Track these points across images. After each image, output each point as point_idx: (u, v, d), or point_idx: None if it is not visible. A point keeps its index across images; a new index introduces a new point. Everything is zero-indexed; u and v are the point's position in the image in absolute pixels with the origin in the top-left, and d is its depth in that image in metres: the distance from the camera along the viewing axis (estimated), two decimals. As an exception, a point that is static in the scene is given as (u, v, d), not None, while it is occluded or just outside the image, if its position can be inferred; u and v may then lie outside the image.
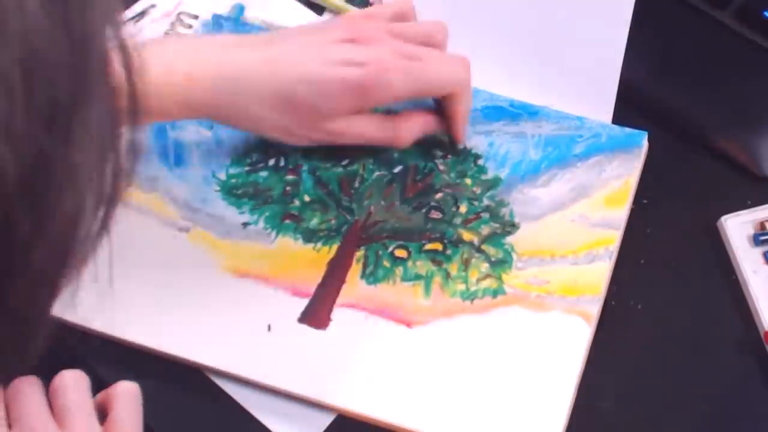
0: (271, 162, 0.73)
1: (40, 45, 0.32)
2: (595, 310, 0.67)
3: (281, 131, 0.68)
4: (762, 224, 0.70)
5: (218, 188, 0.72)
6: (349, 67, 0.66)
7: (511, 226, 0.70)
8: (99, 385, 0.63)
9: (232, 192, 0.72)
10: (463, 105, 0.70)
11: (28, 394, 0.61)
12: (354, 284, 0.68)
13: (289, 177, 0.73)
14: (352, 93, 0.66)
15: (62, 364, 0.65)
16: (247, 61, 0.66)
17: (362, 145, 0.71)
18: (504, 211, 0.71)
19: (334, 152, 0.73)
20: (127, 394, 0.62)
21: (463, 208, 0.71)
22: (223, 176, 0.73)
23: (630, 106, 0.75)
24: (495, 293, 0.68)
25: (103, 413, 0.61)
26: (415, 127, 0.71)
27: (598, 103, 0.75)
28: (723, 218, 0.70)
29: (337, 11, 0.81)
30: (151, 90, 0.63)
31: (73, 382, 0.62)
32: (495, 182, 0.72)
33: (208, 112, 0.68)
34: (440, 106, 0.71)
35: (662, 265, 0.70)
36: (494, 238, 0.70)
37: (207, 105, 0.66)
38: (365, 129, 0.69)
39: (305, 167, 0.73)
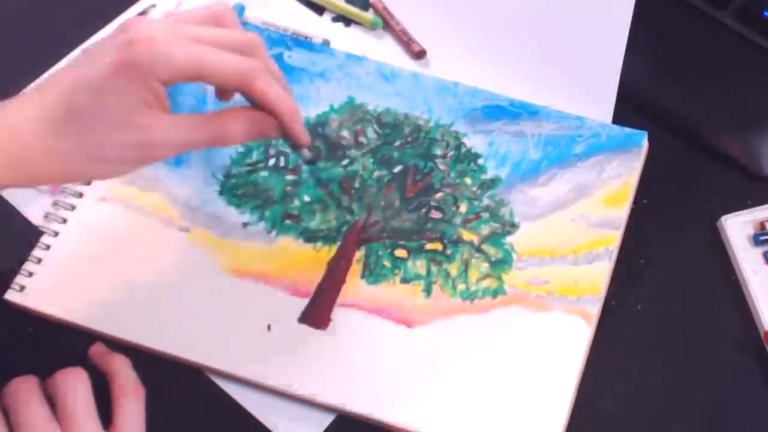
0: (271, 162, 0.73)
1: None
2: (595, 310, 0.67)
3: (92, 160, 0.58)
4: (762, 224, 0.70)
5: (218, 188, 0.72)
6: (116, 50, 0.58)
7: (511, 226, 0.70)
8: (99, 385, 0.63)
9: (232, 192, 0.72)
10: (266, 98, 0.61)
11: (29, 398, 0.61)
12: (354, 284, 0.68)
13: (289, 177, 0.73)
14: (129, 74, 0.57)
15: (62, 363, 0.65)
16: (18, 110, 0.59)
17: (187, 150, 0.62)
18: (504, 210, 0.71)
19: (334, 152, 0.73)
20: (134, 401, 0.62)
21: (463, 208, 0.71)
22: (223, 176, 0.73)
23: (630, 106, 0.75)
24: (495, 293, 0.68)
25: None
26: (246, 124, 0.61)
27: (598, 103, 0.75)
28: (723, 218, 0.70)
29: (337, 11, 0.81)
30: None
31: (74, 384, 0.62)
32: (495, 182, 0.72)
33: (6, 185, 0.59)
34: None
35: (662, 265, 0.70)
36: (494, 238, 0.70)
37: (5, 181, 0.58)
38: (183, 131, 0.60)
39: (305, 167, 0.73)
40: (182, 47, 0.58)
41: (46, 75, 0.70)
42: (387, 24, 0.80)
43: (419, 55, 0.78)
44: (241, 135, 0.61)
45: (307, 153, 0.65)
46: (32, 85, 0.65)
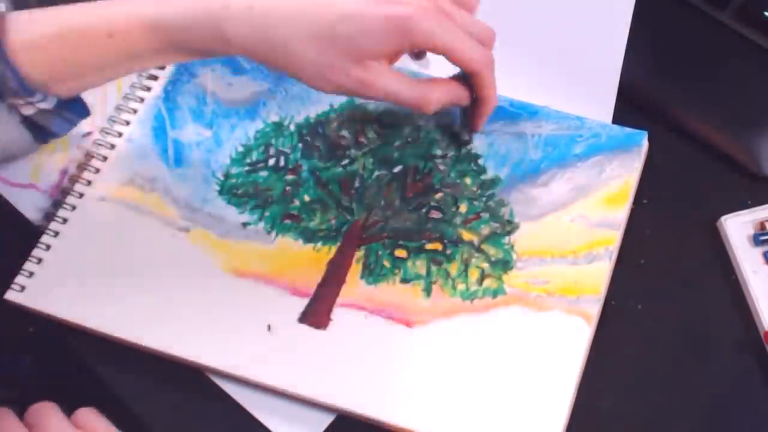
0: (271, 162, 0.73)
1: None
2: (595, 310, 0.67)
3: (314, 72, 0.66)
4: (762, 224, 0.70)
5: (218, 188, 0.72)
6: (395, 5, 0.65)
7: (510, 226, 0.70)
8: (98, 384, 0.63)
9: (232, 192, 0.72)
10: (486, 88, 0.70)
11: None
12: (354, 284, 0.68)
13: (289, 177, 0.73)
14: (395, 31, 0.65)
15: (62, 363, 0.66)
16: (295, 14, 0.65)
17: (385, 102, 0.68)
18: (504, 210, 0.71)
19: (334, 152, 0.73)
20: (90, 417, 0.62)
21: (462, 208, 0.71)
22: (223, 176, 0.73)
23: (630, 106, 0.75)
24: (495, 293, 0.68)
25: None
26: (445, 93, 0.69)
27: (598, 103, 0.75)
28: (723, 218, 0.70)
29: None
30: (187, 21, 0.64)
31: (47, 411, 0.61)
32: (495, 182, 0.72)
33: (243, 48, 0.65)
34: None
35: (662, 265, 0.70)
36: (494, 238, 0.70)
37: (243, 39, 0.64)
38: (396, 84, 0.67)
39: (305, 167, 0.73)
40: (443, 28, 0.66)
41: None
42: (387, 24, 0.80)
43: (419, 55, 0.78)
44: (443, 99, 0.69)
45: (467, 135, 0.74)
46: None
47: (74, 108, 0.68)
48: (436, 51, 0.67)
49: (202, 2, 0.64)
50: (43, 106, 0.66)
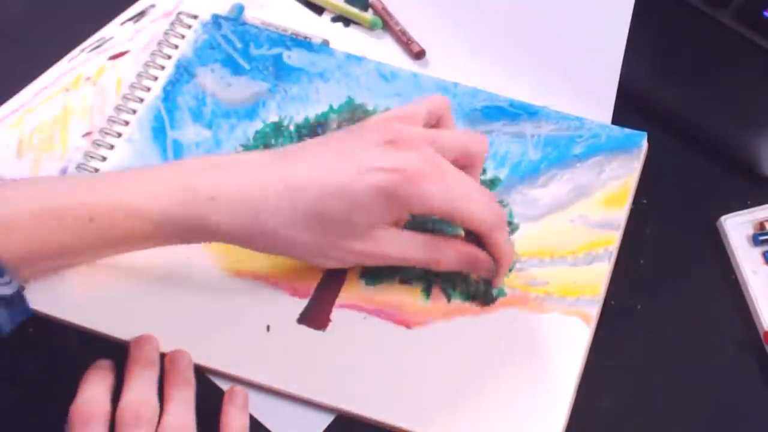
0: (271, 162, 0.73)
1: None
2: (594, 311, 0.67)
3: (311, 252, 0.63)
4: (762, 224, 0.70)
5: (218, 188, 0.72)
6: (384, 173, 0.61)
7: (510, 227, 0.70)
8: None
9: (231, 192, 0.72)
10: (498, 246, 0.64)
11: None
12: (353, 285, 0.68)
13: (289, 177, 0.73)
14: (387, 202, 0.61)
15: (62, 363, 0.66)
16: (270, 180, 0.62)
17: (402, 265, 0.66)
18: (503, 211, 0.71)
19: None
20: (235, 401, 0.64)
21: (462, 209, 0.71)
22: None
23: (630, 106, 0.75)
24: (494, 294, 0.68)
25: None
26: (456, 257, 0.65)
27: (597, 103, 0.75)
28: (723, 218, 0.70)
29: (336, 12, 0.81)
30: (175, 215, 0.61)
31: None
32: (494, 182, 0.72)
33: (234, 237, 0.63)
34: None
35: (662, 265, 0.70)
36: (494, 239, 0.69)
37: (231, 228, 0.62)
38: (402, 249, 0.64)
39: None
40: (441, 192, 0.61)
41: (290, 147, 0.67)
42: (386, 24, 0.80)
43: (418, 55, 0.78)
44: (454, 264, 0.65)
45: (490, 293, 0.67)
46: (286, 166, 0.63)
47: (23, 305, 0.62)
48: (439, 216, 0.63)
49: (189, 194, 0.61)
50: (3, 291, 0.60)
